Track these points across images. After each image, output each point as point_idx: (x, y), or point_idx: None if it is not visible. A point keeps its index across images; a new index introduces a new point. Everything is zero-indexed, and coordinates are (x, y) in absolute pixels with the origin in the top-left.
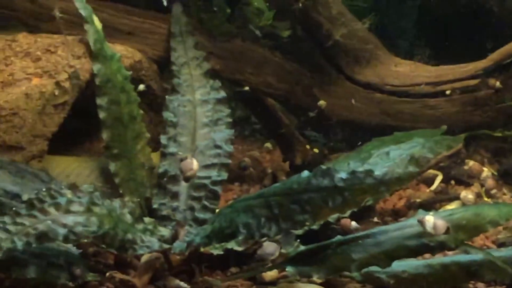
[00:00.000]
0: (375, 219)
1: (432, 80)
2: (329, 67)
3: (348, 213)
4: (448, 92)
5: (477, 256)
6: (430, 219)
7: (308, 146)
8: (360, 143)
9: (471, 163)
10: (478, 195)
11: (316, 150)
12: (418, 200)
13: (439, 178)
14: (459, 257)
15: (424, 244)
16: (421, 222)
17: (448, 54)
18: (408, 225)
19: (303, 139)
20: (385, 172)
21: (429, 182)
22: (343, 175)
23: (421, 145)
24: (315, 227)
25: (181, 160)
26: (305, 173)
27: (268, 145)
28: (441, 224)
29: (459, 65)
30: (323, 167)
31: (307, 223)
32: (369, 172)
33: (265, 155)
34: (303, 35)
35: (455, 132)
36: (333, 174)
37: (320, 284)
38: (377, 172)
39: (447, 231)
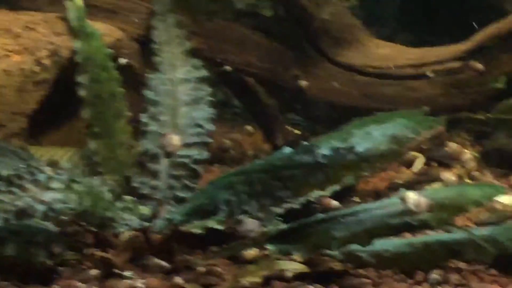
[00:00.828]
0: (356, 199)
1: (414, 62)
2: (310, 49)
3: (330, 192)
4: (430, 74)
5: (459, 235)
6: (412, 196)
7: (289, 128)
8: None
9: (452, 145)
10: (460, 177)
11: (297, 132)
12: (399, 181)
13: (421, 159)
14: (441, 236)
15: (406, 223)
16: (404, 199)
17: (431, 39)
18: (390, 204)
19: (284, 121)
20: (368, 148)
21: (411, 164)
22: (325, 151)
23: (403, 125)
24: (297, 206)
25: (163, 135)
26: (287, 149)
27: (249, 128)
28: (424, 201)
29: (441, 47)
30: (305, 143)
31: (288, 200)
32: (351, 149)
33: (246, 138)
34: (286, 15)
35: (437, 114)
36: (315, 150)
37: (301, 262)
38: (360, 149)
39: (429, 209)
